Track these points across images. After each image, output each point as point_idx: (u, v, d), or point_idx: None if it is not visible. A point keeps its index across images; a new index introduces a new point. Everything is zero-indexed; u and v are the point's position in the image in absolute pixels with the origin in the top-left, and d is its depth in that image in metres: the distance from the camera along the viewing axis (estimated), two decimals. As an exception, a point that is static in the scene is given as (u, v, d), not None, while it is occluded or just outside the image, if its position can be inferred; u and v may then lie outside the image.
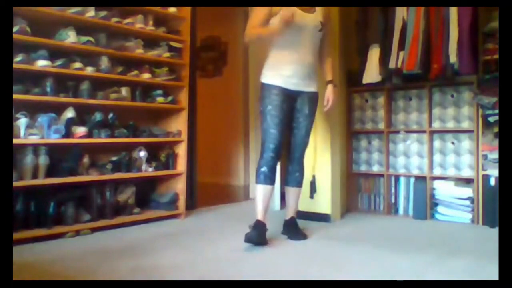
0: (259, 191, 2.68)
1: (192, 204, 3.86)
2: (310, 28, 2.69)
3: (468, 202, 3.27)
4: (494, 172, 3.09)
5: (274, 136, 2.65)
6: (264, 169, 2.65)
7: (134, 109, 3.43)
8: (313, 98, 2.82)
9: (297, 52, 2.69)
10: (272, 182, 2.69)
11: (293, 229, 2.84)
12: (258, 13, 2.67)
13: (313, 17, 2.72)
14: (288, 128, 2.78)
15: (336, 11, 3.42)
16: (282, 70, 2.69)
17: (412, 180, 3.58)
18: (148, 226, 3.20)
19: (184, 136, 3.54)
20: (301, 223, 2.94)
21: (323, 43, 2.85)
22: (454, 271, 2.14)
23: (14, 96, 2.54)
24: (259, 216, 2.64)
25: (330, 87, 2.87)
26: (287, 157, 2.87)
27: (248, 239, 2.51)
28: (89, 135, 2.96)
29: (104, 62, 3.05)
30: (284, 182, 2.97)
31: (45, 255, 2.40)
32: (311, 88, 2.79)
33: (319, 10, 2.77)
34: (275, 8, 2.63)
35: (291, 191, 2.89)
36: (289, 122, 2.76)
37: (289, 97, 2.72)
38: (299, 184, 2.89)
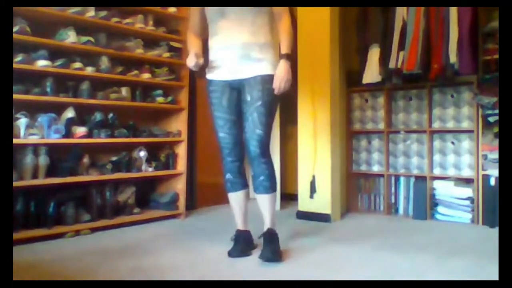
0: (231, 200, 2.48)
1: (192, 204, 3.86)
2: (234, 9, 2.30)
3: (468, 202, 3.27)
4: (494, 172, 3.09)
5: (224, 139, 2.40)
6: (228, 176, 2.45)
7: (134, 109, 3.43)
8: (258, 82, 2.30)
9: (226, 35, 2.34)
10: (242, 186, 2.46)
11: (267, 243, 2.30)
12: (191, 13, 2.51)
13: None
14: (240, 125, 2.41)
15: (336, 11, 3.42)
16: (213, 61, 2.40)
17: (412, 180, 3.58)
18: (148, 226, 3.20)
19: (184, 136, 3.54)
20: (301, 223, 2.94)
21: (273, 12, 2.38)
22: (454, 271, 2.14)
23: (14, 96, 2.54)
24: (239, 226, 2.48)
25: (281, 63, 2.30)
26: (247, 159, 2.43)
27: (229, 255, 2.37)
28: (89, 135, 2.96)
29: (104, 62, 3.05)
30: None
31: (45, 255, 2.40)
32: (253, 72, 2.31)
33: None
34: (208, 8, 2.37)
35: (259, 199, 2.40)
36: (238, 118, 2.39)
37: (230, 90, 2.38)
38: (267, 189, 2.36)
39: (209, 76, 2.43)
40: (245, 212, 2.48)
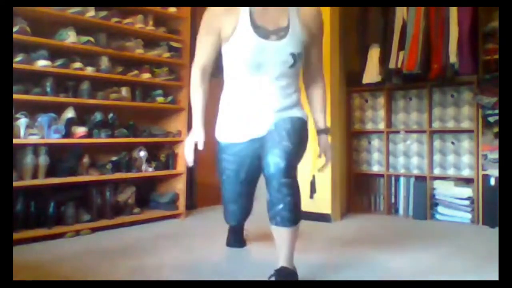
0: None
1: (192, 204, 3.86)
2: (273, 63, 1.89)
3: (468, 202, 3.27)
4: (494, 172, 3.09)
5: (232, 211, 2.22)
6: (229, 236, 2.53)
7: (134, 109, 3.42)
8: (286, 122, 1.90)
9: (257, 98, 1.94)
10: (238, 244, 2.54)
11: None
12: (200, 46, 2.05)
13: (281, 47, 1.89)
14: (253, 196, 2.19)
15: (336, 11, 3.42)
16: (237, 125, 2.02)
17: (412, 180, 3.58)
18: (148, 226, 3.20)
19: (184, 136, 3.53)
20: (301, 223, 2.92)
21: (307, 74, 2.08)
22: (454, 271, 2.14)
23: (14, 96, 2.54)
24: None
25: (324, 138, 2.05)
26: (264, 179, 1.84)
27: (227, 244, 2.51)
28: (89, 135, 2.96)
29: (104, 62, 3.05)
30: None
31: (45, 255, 2.40)
32: (281, 116, 1.93)
33: (297, 29, 1.91)
34: (225, 29, 1.92)
35: (274, 232, 1.83)
36: (254, 189, 2.18)
37: (251, 157, 1.99)
38: (285, 222, 1.77)
39: (222, 138, 2.07)
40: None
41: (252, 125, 1.96)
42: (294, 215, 1.79)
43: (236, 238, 2.53)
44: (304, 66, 2.06)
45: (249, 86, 1.96)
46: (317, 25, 2.01)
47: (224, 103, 2.10)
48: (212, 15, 1.98)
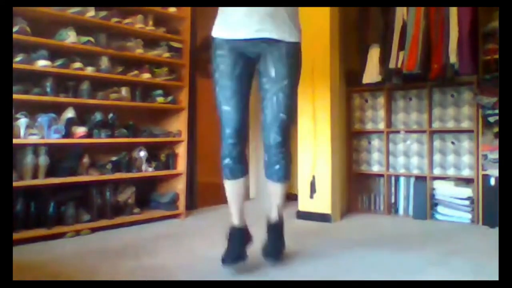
0: (228, 190, 2.16)
1: (192, 204, 3.86)
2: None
3: (468, 202, 3.27)
4: (494, 172, 3.09)
5: (228, 114, 2.03)
6: (227, 161, 2.10)
7: (134, 109, 3.42)
8: (283, 55, 2.00)
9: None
10: (242, 173, 2.14)
11: (272, 239, 2.21)
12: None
13: None
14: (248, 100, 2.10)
15: (336, 11, 3.42)
16: (229, 15, 2.01)
17: (412, 180, 3.58)
18: (148, 226, 3.20)
19: (184, 136, 3.54)
20: (301, 223, 2.94)
21: None
22: (454, 271, 2.14)
23: (14, 96, 2.54)
24: (235, 220, 2.15)
25: None
26: (263, 144, 2.13)
27: (223, 262, 2.06)
28: (89, 135, 2.96)
29: (104, 62, 3.05)
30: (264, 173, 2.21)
31: (45, 255, 2.40)
32: (279, 35, 1.99)
33: None
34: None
35: (270, 186, 2.18)
36: (248, 92, 2.09)
37: (245, 58, 2.04)
38: (280, 179, 2.15)
39: (218, 34, 2.05)
40: (242, 204, 2.17)
41: (246, 23, 1.96)
42: (288, 173, 2.16)
43: (234, 248, 2.11)
44: None
45: None
46: None
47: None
48: None
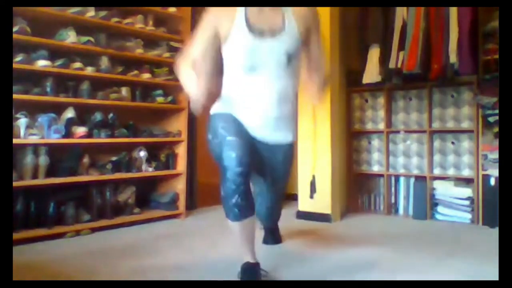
0: (239, 231, 1.90)
1: (192, 204, 3.86)
2: (269, 64, 1.93)
3: (468, 202, 3.27)
4: (494, 172, 3.09)
5: (233, 142, 1.86)
6: (235, 199, 1.82)
7: (134, 109, 3.42)
8: (290, 148, 2.16)
9: (253, 98, 1.98)
10: (253, 210, 1.90)
11: (271, 231, 2.62)
12: (198, 39, 2.04)
13: (275, 46, 1.93)
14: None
15: (336, 11, 3.42)
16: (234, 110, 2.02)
17: (412, 180, 3.58)
18: (148, 226, 3.20)
19: (184, 136, 3.54)
20: (301, 223, 2.94)
21: (309, 67, 2.09)
22: (454, 271, 2.14)
23: (14, 96, 2.54)
24: (250, 258, 1.95)
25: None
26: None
27: None
28: (89, 135, 2.96)
29: (104, 62, 3.05)
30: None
31: (45, 255, 2.40)
32: (285, 139, 2.09)
33: (293, 26, 1.96)
34: (223, 28, 1.95)
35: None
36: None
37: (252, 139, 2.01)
38: (266, 222, 2.58)
39: (219, 110, 2.06)
40: (253, 240, 1.98)
41: (250, 120, 2.00)
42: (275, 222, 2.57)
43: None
44: (306, 61, 2.09)
45: (246, 86, 1.98)
46: (311, 17, 2.06)
47: (222, 94, 2.11)
48: (210, 14, 2.02)
